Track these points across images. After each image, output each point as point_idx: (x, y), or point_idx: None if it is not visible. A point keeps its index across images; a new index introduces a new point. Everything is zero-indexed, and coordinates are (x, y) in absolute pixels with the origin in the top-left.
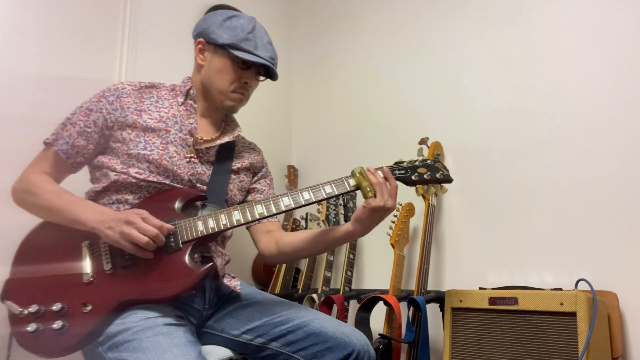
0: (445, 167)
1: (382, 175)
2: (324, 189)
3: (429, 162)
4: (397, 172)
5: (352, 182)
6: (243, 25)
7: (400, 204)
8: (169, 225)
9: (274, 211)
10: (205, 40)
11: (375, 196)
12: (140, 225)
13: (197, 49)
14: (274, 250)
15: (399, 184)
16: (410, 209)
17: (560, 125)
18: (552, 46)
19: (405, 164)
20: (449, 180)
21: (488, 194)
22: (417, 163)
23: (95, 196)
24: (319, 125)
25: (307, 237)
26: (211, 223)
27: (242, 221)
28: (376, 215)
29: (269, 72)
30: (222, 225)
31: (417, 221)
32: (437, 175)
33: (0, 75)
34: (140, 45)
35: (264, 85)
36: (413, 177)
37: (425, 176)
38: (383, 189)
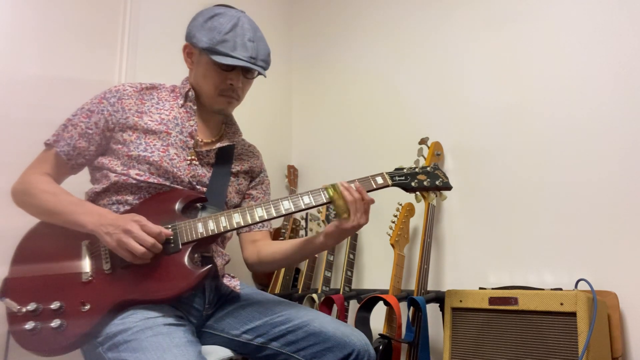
0: (444, 175)
1: (355, 191)
2: (324, 193)
3: (428, 169)
4: (396, 178)
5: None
6: (221, 25)
7: (400, 204)
8: (167, 231)
9: (274, 215)
10: (190, 44)
11: (349, 216)
12: (137, 235)
13: (185, 53)
14: (256, 259)
15: (399, 189)
16: (410, 209)
17: (560, 125)
18: (552, 46)
19: (405, 170)
20: (448, 187)
21: (488, 194)
22: (417, 170)
23: (95, 197)
24: (319, 125)
25: (286, 248)
26: (211, 225)
27: (242, 224)
28: (348, 232)
29: (255, 69)
30: (222, 228)
31: (417, 221)
32: (437, 183)
33: (0, 76)
34: (140, 46)
35: (264, 85)
36: (412, 184)
37: (424, 183)
38: (357, 206)
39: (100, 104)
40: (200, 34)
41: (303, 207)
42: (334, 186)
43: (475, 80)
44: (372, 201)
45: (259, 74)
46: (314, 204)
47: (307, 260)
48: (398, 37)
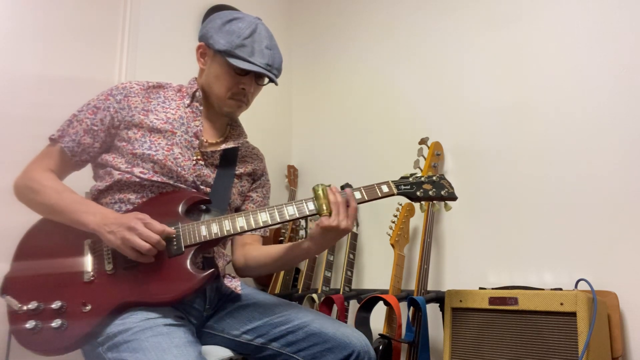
0: (450, 185)
1: (342, 196)
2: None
3: (434, 178)
4: (402, 187)
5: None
6: (240, 29)
7: (401, 204)
8: (170, 229)
9: (278, 220)
10: (205, 45)
11: (330, 215)
12: (142, 232)
13: (198, 53)
14: (243, 263)
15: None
16: (410, 209)
17: (560, 125)
18: (552, 46)
19: (410, 179)
20: (453, 198)
21: (488, 194)
22: (422, 179)
23: (98, 195)
24: (319, 125)
25: (272, 253)
26: (214, 228)
27: (246, 228)
28: (329, 234)
29: (270, 77)
30: (225, 232)
31: (417, 221)
32: (442, 193)
33: (1, 76)
34: (140, 45)
35: (264, 86)
36: (418, 193)
37: (430, 192)
38: (340, 208)
39: (107, 100)
40: (218, 36)
41: (307, 213)
42: (322, 186)
43: (476, 80)
44: (357, 208)
45: (270, 81)
46: (318, 211)
47: (307, 260)
48: (398, 37)
